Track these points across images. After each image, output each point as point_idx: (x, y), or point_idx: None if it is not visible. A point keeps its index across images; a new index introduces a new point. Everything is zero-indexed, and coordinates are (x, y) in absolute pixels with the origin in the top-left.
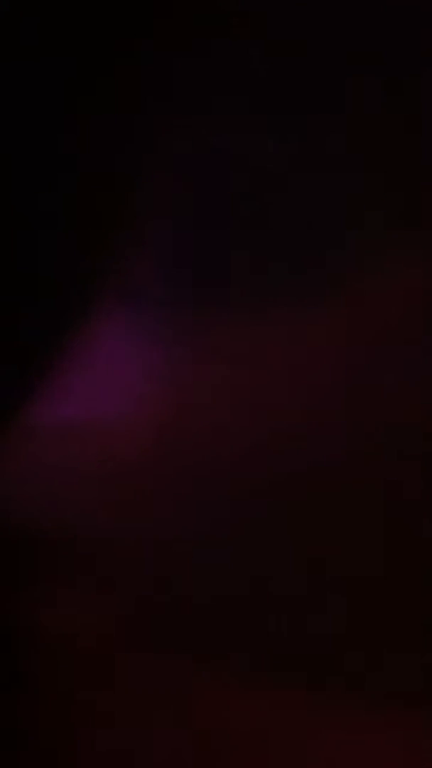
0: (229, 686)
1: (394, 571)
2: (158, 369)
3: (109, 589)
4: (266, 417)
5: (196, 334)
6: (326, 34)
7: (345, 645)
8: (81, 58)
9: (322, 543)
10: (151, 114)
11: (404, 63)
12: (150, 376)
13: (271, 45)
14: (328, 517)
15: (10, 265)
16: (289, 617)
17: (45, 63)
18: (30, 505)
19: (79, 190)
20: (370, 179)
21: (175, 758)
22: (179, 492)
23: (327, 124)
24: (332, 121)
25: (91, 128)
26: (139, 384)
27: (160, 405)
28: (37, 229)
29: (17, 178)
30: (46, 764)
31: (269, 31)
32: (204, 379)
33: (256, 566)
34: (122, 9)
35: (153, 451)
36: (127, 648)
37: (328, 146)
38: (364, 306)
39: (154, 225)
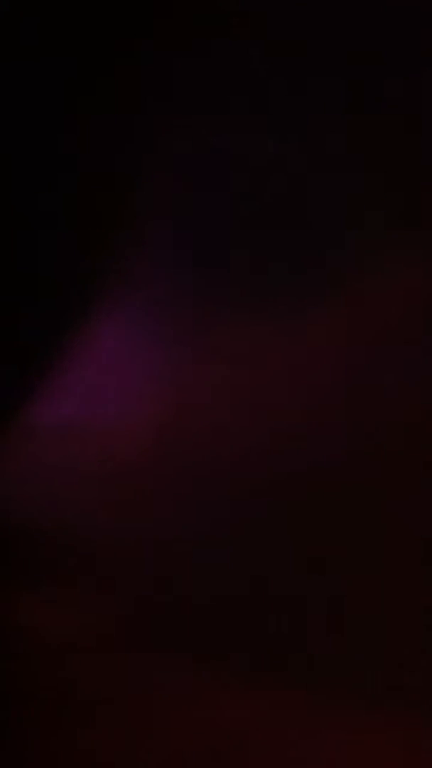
0: (229, 686)
1: (394, 570)
2: (158, 369)
3: (109, 589)
4: (266, 417)
5: (196, 334)
6: (326, 34)
7: (345, 645)
8: (81, 58)
9: (322, 543)
10: (151, 114)
11: (404, 63)
12: (150, 376)
13: (271, 45)
14: (328, 517)
15: (10, 265)
16: (288, 617)
17: (45, 63)
18: (30, 505)
19: (79, 190)
20: (370, 179)
21: (176, 758)
22: (179, 492)
23: (327, 124)
24: (332, 121)
25: (91, 128)
26: (139, 384)
27: (160, 405)
28: (37, 229)
29: (17, 178)
30: (46, 764)
31: (269, 31)
32: (204, 379)
33: (256, 566)
34: (122, 9)
35: (153, 451)
36: (127, 648)
37: (328, 146)
38: (364, 306)
39: (154, 225)
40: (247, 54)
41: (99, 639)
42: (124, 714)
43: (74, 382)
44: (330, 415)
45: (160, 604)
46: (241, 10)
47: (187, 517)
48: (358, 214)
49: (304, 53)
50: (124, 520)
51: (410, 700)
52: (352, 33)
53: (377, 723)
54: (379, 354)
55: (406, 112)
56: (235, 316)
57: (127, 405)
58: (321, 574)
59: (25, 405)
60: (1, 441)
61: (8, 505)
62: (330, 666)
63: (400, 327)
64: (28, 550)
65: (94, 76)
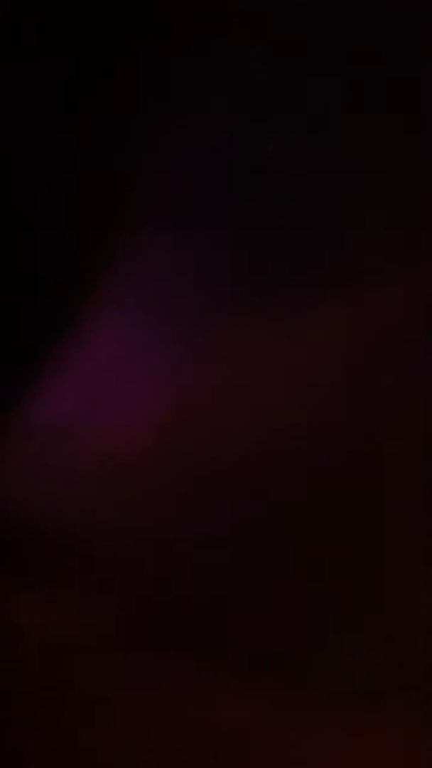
0: (229, 686)
1: (394, 570)
2: (158, 369)
3: (109, 589)
4: (266, 417)
5: (196, 334)
6: (326, 34)
7: (345, 645)
8: (81, 58)
9: (321, 543)
10: (151, 114)
11: (404, 63)
12: (150, 376)
13: (271, 45)
14: (328, 517)
15: (10, 265)
16: (289, 617)
17: (45, 63)
18: (30, 505)
19: (79, 190)
20: (370, 179)
21: (176, 758)
22: (179, 492)
23: (327, 124)
24: (332, 121)
25: (91, 128)
26: (139, 384)
27: (160, 405)
28: (37, 229)
29: (17, 178)
30: (46, 764)
31: (269, 31)
32: (204, 379)
33: (256, 566)
34: (122, 9)
35: (153, 451)
36: (127, 648)
37: (328, 146)
38: (364, 306)
39: (154, 225)
40: (247, 54)
41: (99, 639)
42: (124, 714)
43: (74, 382)
44: (330, 415)
45: (160, 604)
46: (241, 10)
47: (187, 517)
48: (358, 214)
49: (304, 53)
50: (124, 520)
51: (410, 700)
52: (352, 33)
53: (377, 723)
54: (379, 354)
55: (406, 112)
56: (235, 316)
57: (127, 405)
58: (321, 574)
59: (24, 405)
60: (1, 441)
61: (8, 505)
62: (330, 666)
63: (400, 327)
64: (28, 550)
65: (94, 76)
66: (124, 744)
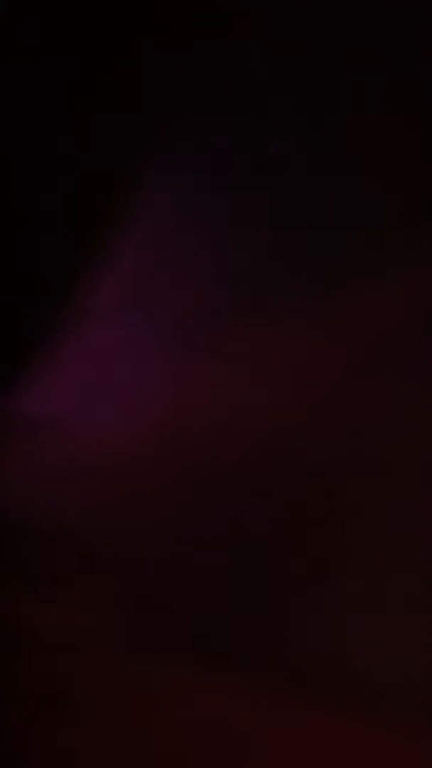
0: (230, 686)
1: (395, 571)
2: (158, 369)
3: (109, 589)
4: (266, 417)
5: (195, 333)
6: (326, 34)
7: (346, 645)
8: (81, 58)
9: (322, 543)
10: (151, 114)
11: (404, 63)
12: (150, 376)
13: (271, 45)
14: (328, 518)
15: (9, 265)
16: (289, 617)
17: (45, 63)
18: (30, 505)
19: (79, 190)
20: (370, 179)
21: (176, 758)
22: (179, 492)
23: (327, 124)
24: (332, 121)
25: (91, 128)
26: (139, 384)
27: (160, 405)
28: (37, 229)
29: (17, 178)
30: (47, 764)
31: (269, 31)
32: (204, 379)
33: (256, 566)
34: (122, 9)
35: (153, 451)
36: (127, 648)
37: (328, 146)
38: (364, 306)
39: (154, 225)
40: (247, 54)
41: (99, 639)
42: (124, 714)
43: (74, 382)
44: (330, 415)
45: (160, 604)
46: (241, 10)
47: (187, 517)
48: (358, 214)
49: (304, 53)
50: (124, 520)
51: (410, 699)
52: (352, 33)
53: (377, 723)
54: (379, 354)
55: (406, 112)
56: (235, 316)
57: (127, 405)
58: (321, 574)
59: (23, 404)
60: (1, 441)
61: (8, 505)
62: (330, 666)
63: (400, 327)
64: (28, 550)
65: (94, 76)
66: (124, 744)
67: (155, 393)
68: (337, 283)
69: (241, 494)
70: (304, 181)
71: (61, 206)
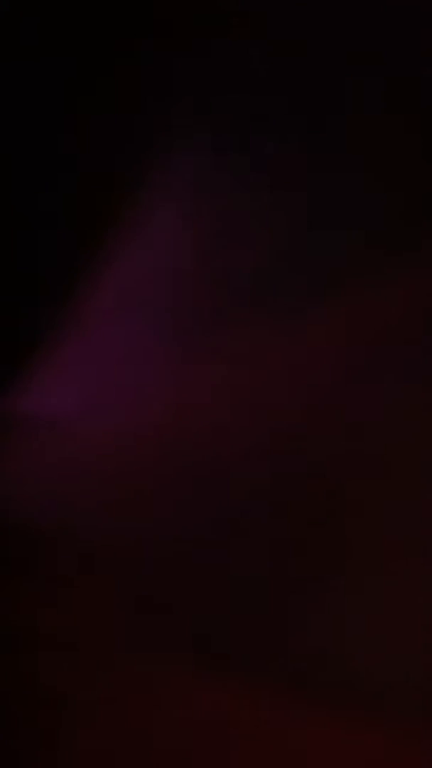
0: (229, 686)
1: (395, 571)
2: (158, 369)
3: (109, 589)
4: (266, 417)
5: (196, 334)
6: (326, 34)
7: (346, 645)
8: (81, 58)
9: (322, 543)
10: (151, 114)
11: (404, 63)
12: (150, 376)
13: (271, 45)
14: (329, 518)
15: (9, 265)
16: (289, 617)
17: (45, 63)
18: (30, 505)
19: (79, 190)
20: (370, 179)
21: (176, 758)
22: (179, 492)
23: (327, 124)
24: (332, 121)
25: (91, 128)
26: (139, 384)
27: (160, 405)
28: (37, 229)
29: (17, 178)
30: (46, 764)
31: (269, 31)
32: (204, 379)
33: (256, 567)
34: (122, 9)
35: (153, 451)
36: (127, 648)
37: (328, 146)
38: (364, 306)
39: (154, 225)
40: (247, 54)
41: (99, 639)
42: (124, 714)
43: (74, 382)
44: (330, 415)
45: (160, 604)
46: (241, 10)
47: (187, 517)
48: (358, 214)
49: (304, 53)
50: (124, 520)
51: (411, 700)
52: (352, 33)
53: (377, 723)
54: (379, 354)
55: (406, 112)
56: (235, 316)
57: (127, 405)
58: (321, 574)
59: (23, 404)
60: (1, 440)
61: (8, 505)
62: (330, 666)
63: (400, 327)
64: (28, 550)
65: (94, 76)
66: (124, 744)
67: (155, 393)
68: (337, 283)
69: (241, 494)
70: (304, 181)
71: (61, 206)
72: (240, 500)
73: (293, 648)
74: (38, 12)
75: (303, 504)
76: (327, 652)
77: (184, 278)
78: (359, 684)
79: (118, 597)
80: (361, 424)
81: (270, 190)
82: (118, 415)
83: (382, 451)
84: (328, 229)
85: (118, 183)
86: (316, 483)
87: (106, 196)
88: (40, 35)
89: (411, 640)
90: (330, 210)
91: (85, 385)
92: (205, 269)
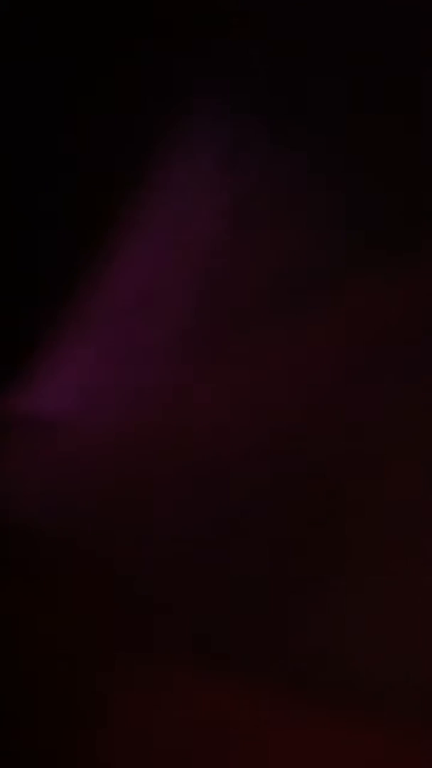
0: (229, 686)
1: (395, 571)
2: (158, 369)
3: (109, 589)
4: (266, 417)
5: (196, 334)
6: (326, 34)
7: (346, 645)
8: (81, 58)
9: (322, 543)
10: (151, 114)
11: (404, 63)
12: (150, 377)
13: (271, 45)
14: (329, 518)
15: (9, 265)
16: (289, 617)
17: (45, 63)
18: (29, 504)
19: (79, 190)
20: (370, 179)
21: (176, 758)
22: (179, 492)
23: (327, 124)
24: (332, 121)
25: (91, 128)
26: (138, 384)
27: (160, 405)
28: (37, 229)
29: (17, 178)
30: (47, 764)
31: (269, 31)
32: (204, 379)
33: (256, 566)
34: (122, 9)
35: (153, 451)
36: (127, 648)
37: (329, 146)
38: (364, 306)
39: (153, 225)
40: (247, 54)
41: (99, 639)
42: (124, 714)
43: (74, 382)
44: (330, 415)
45: (160, 604)
46: (241, 10)
47: (187, 517)
48: (358, 214)
49: (304, 53)
50: (124, 520)
51: (410, 700)
52: (353, 33)
53: (377, 723)
54: (379, 354)
55: (406, 112)
56: (235, 315)
57: (126, 405)
58: (321, 575)
59: (24, 404)
60: (0, 441)
61: (8, 504)
62: (330, 666)
63: (400, 327)
64: (28, 550)
65: (94, 76)
66: (124, 744)
67: (155, 393)
68: (337, 283)
69: (241, 494)
70: (304, 180)
71: (61, 206)
72: (240, 500)
73: (293, 648)
74: (38, 12)
75: (303, 504)
76: (327, 652)
77: (183, 278)
78: (359, 684)
79: (118, 597)
80: (361, 424)
81: (270, 190)
82: (119, 415)
83: (382, 451)
84: (327, 229)
85: (118, 183)
86: (316, 483)
87: (106, 196)
88: (40, 35)
89: (411, 640)
90: (330, 210)
91: (85, 386)
92: (205, 269)
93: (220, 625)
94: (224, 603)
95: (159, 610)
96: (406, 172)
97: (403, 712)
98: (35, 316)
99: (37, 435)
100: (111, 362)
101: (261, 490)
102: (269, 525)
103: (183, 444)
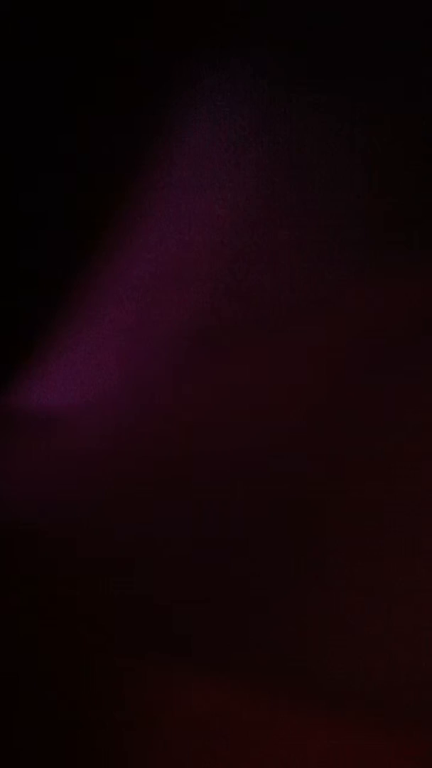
0: (230, 686)
1: (395, 571)
2: (157, 369)
3: (109, 588)
4: (266, 417)
5: (196, 333)
6: (326, 34)
7: (346, 646)
8: (81, 58)
9: (322, 543)
10: (151, 114)
11: (404, 63)
12: (149, 377)
13: (271, 45)
14: (329, 518)
15: (9, 264)
16: (289, 618)
17: (45, 63)
18: (29, 505)
19: (79, 190)
20: (371, 178)
21: (176, 758)
22: (179, 492)
23: (327, 123)
24: (332, 120)
25: (91, 128)
26: (138, 385)
27: (161, 405)
28: (37, 229)
29: (17, 178)
30: (47, 763)
31: (269, 31)
32: (204, 379)
33: (257, 566)
34: (122, 9)
35: (153, 452)
36: (127, 648)
37: (329, 145)
38: (364, 306)
39: (154, 225)
40: (247, 54)
41: (99, 639)
42: (124, 714)
43: (74, 381)
44: (330, 415)
45: (160, 604)
46: (241, 10)
47: (187, 517)
48: (359, 214)
49: (304, 53)
50: (124, 520)
51: (410, 700)
52: (352, 33)
53: (377, 723)
54: (379, 354)
55: (406, 112)
56: (236, 315)
57: (126, 405)
58: (321, 575)
59: (23, 402)
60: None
61: (7, 504)
62: (330, 667)
63: (400, 327)
64: (28, 550)
65: (94, 76)
66: (124, 744)
67: (155, 393)
68: (337, 283)
69: (241, 494)
70: (304, 180)
71: (60, 206)
72: (240, 500)
73: (293, 648)
74: (38, 12)
75: (303, 504)
76: (327, 652)
77: (183, 278)
78: (359, 684)
79: (118, 597)
80: (361, 424)
81: (270, 189)
82: (119, 415)
83: (382, 451)
84: (328, 229)
85: (118, 183)
86: (316, 483)
87: (106, 196)
88: (40, 35)
89: (411, 640)
90: (330, 210)
91: (85, 385)
92: (205, 268)
93: (221, 625)
94: (224, 603)
95: (159, 610)
96: (406, 172)
97: (403, 712)
98: (34, 319)
99: (37, 435)
100: (111, 362)
101: (261, 490)
102: (269, 525)
103: (183, 443)
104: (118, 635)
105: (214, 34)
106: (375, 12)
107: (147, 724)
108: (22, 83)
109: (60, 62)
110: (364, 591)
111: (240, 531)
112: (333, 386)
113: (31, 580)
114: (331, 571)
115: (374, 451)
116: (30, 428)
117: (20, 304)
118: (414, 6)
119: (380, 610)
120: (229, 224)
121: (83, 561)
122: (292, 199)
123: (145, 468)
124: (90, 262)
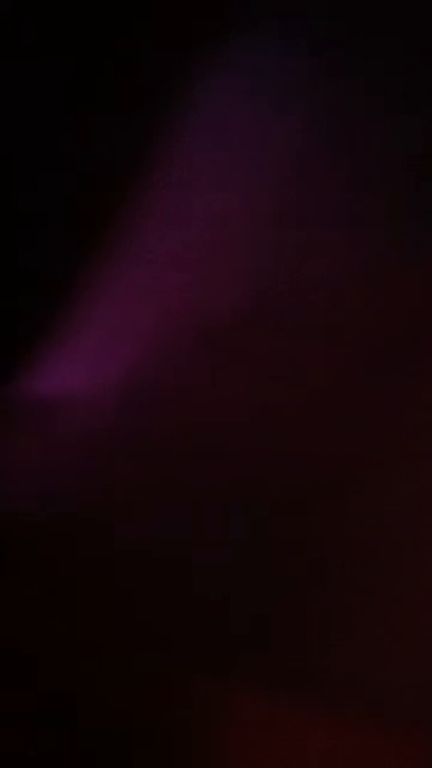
0: (230, 686)
1: (395, 571)
2: (157, 369)
3: (108, 589)
4: (266, 417)
5: (196, 333)
6: (326, 33)
7: (347, 647)
8: (81, 58)
9: (322, 543)
10: (151, 114)
11: (404, 63)
12: (150, 376)
13: (271, 45)
14: (329, 518)
15: (9, 264)
16: (289, 617)
17: (45, 63)
18: (28, 503)
19: (79, 190)
20: (371, 178)
21: (176, 757)
22: (179, 492)
23: (327, 123)
24: (333, 120)
25: (91, 128)
26: (138, 385)
27: (161, 406)
28: (37, 229)
29: (17, 178)
30: (47, 763)
31: (269, 31)
32: (205, 378)
33: (257, 567)
34: (122, 9)
35: (153, 452)
36: (127, 648)
37: (329, 146)
38: (364, 306)
39: (154, 225)
40: (247, 54)
41: (99, 639)
42: (124, 714)
43: (74, 381)
44: (330, 415)
45: (161, 605)
46: (241, 10)
47: (188, 517)
48: (359, 214)
49: (304, 53)
50: (124, 520)
51: (410, 700)
52: (353, 32)
53: (377, 723)
54: (379, 354)
55: (406, 112)
56: (236, 315)
57: (126, 405)
58: (322, 575)
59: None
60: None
61: (8, 503)
62: (331, 666)
63: (400, 327)
64: (28, 550)
65: (94, 76)
66: (124, 744)
67: (156, 394)
68: (336, 282)
69: (241, 494)
70: (304, 180)
71: (60, 206)
72: (240, 500)
73: (293, 648)
74: (38, 12)
75: (303, 504)
76: (327, 653)
77: (183, 277)
78: (359, 684)
79: (118, 597)
80: (361, 424)
81: (270, 189)
82: (118, 415)
83: (382, 451)
84: (328, 229)
85: (118, 183)
86: (316, 483)
87: (106, 196)
88: (40, 35)
89: (411, 640)
90: (330, 210)
91: (85, 384)
92: (205, 267)
93: (221, 626)
94: (224, 603)
95: (159, 610)
96: (406, 172)
97: (403, 712)
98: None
99: (41, 419)
100: (111, 363)
101: (261, 490)
102: (269, 525)
103: (184, 444)
104: (118, 635)
105: (214, 34)
106: (375, 10)
107: (147, 723)
108: (22, 83)
109: (60, 62)
110: (364, 591)
111: (240, 531)
112: (333, 386)
113: (32, 579)
114: (331, 571)
115: (374, 451)
116: (30, 425)
117: (20, 304)
118: (415, 6)
119: (380, 610)
120: (229, 224)
121: (84, 561)
122: (292, 199)
123: (144, 466)
124: (90, 262)
